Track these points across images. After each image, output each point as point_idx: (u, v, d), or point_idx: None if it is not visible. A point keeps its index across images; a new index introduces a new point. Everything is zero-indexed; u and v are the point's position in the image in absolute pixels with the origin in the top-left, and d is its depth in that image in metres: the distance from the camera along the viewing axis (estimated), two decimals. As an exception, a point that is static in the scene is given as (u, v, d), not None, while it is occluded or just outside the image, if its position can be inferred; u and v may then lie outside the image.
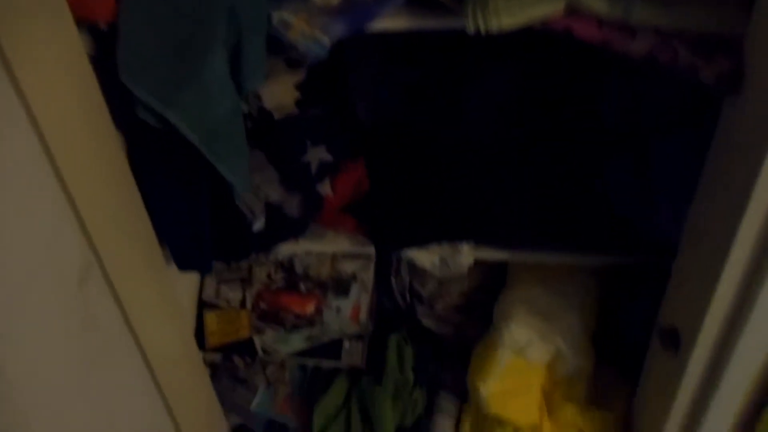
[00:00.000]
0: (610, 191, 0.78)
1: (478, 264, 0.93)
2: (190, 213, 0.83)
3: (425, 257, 0.86)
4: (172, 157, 0.78)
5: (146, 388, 0.92)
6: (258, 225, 0.89)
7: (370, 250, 0.89)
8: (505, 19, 0.60)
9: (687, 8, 0.58)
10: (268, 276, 1.07)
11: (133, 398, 0.89)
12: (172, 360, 0.96)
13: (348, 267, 1.05)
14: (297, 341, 1.06)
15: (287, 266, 1.07)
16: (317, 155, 0.83)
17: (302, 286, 1.06)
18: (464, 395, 1.04)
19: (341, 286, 1.04)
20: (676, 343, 0.72)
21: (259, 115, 0.85)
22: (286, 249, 0.94)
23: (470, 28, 0.62)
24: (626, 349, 0.91)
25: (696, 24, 0.58)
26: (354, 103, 0.81)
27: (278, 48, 0.69)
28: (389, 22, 0.70)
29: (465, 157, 0.78)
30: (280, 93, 0.87)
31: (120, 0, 0.67)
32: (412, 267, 1.02)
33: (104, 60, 0.70)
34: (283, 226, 0.91)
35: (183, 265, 0.91)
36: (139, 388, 0.90)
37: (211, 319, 1.09)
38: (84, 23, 0.68)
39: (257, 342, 1.08)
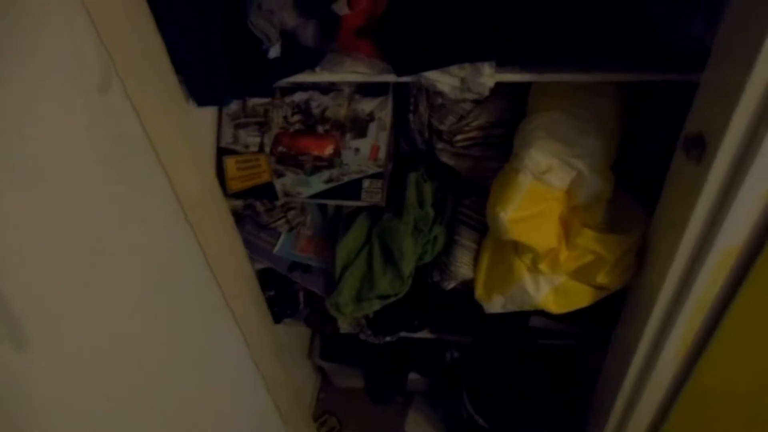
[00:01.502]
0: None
1: (497, 96, 0.92)
2: (203, 37, 0.81)
3: (445, 80, 0.84)
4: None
5: (178, 222, 0.94)
6: (273, 52, 0.87)
7: (390, 76, 0.87)
8: None
9: None
10: (285, 119, 1.07)
11: (164, 229, 0.91)
12: (198, 198, 0.98)
13: (366, 106, 1.04)
14: (317, 183, 1.07)
15: (304, 108, 1.06)
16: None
17: (320, 128, 1.05)
18: (483, 229, 1.06)
19: (359, 125, 1.04)
20: (701, 149, 0.72)
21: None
22: (302, 79, 0.92)
23: None
24: (645, 175, 0.91)
25: None
26: None
27: None
28: None
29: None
30: None
31: None
32: (431, 102, 1.01)
33: None
34: (299, 55, 0.89)
35: (200, 98, 0.91)
36: (170, 222, 0.93)
37: (231, 164, 1.09)
38: None
39: (278, 186, 1.09)
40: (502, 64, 0.84)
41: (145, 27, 0.78)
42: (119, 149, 0.75)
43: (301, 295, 1.35)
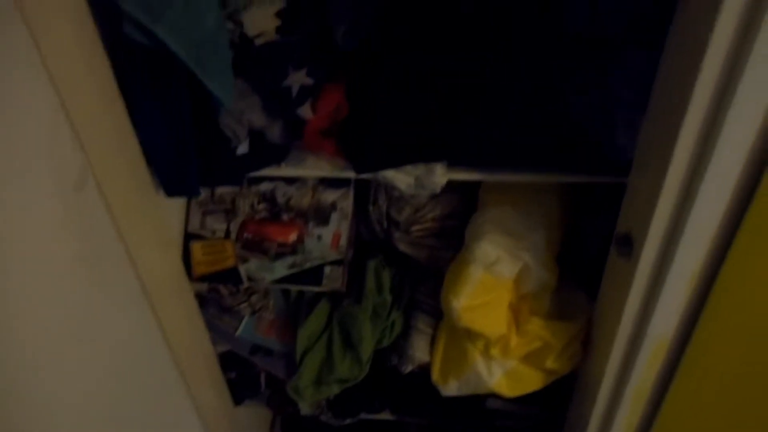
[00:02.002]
0: (572, 109, 0.83)
1: (450, 190, 0.99)
2: (174, 134, 0.87)
3: (401, 178, 0.91)
4: (157, 78, 0.82)
5: (141, 310, 0.97)
6: (242, 149, 0.93)
7: (350, 173, 0.94)
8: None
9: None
10: (252, 207, 1.12)
11: (127, 319, 0.94)
12: (163, 284, 1.01)
13: (328, 197, 1.10)
14: (280, 269, 1.12)
15: (270, 197, 1.11)
16: (298, 79, 0.87)
17: (284, 216, 1.11)
18: (439, 315, 1.11)
19: (322, 214, 1.10)
20: (630, 247, 0.79)
21: (240, 41, 0.88)
22: (269, 173, 0.98)
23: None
24: (587, 264, 0.98)
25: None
26: (333, 27, 0.85)
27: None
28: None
29: (437, 80, 0.83)
30: (261, 20, 0.90)
31: None
32: (389, 195, 1.08)
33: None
34: (266, 151, 0.95)
35: (170, 189, 0.96)
36: (133, 310, 0.95)
37: (197, 249, 1.13)
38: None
39: (242, 270, 1.13)
40: (453, 164, 0.92)
41: (121, 126, 0.84)
42: (89, 245, 0.79)
43: (262, 377, 1.35)
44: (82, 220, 0.76)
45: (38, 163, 0.70)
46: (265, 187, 1.11)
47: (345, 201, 1.09)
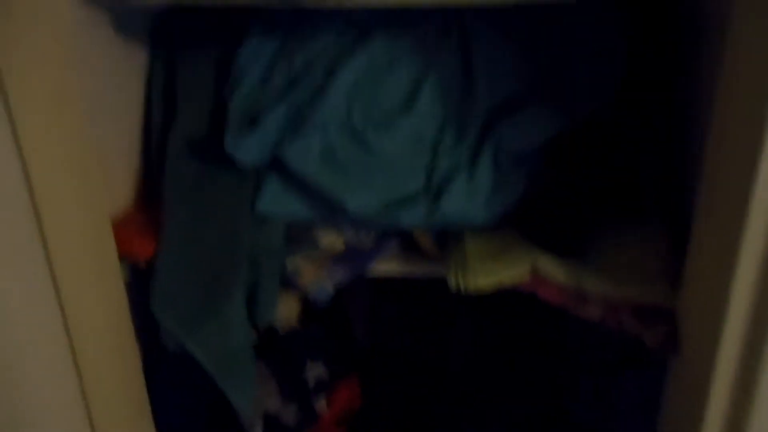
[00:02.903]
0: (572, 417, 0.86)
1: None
2: (190, 418, 0.90)
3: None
4: (183, 368, 0.86)
5: None
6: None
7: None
8: (481, 281, 0.73)
9: (631, 283, 0.70)
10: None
11: None
12: None
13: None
14: None
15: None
16: (315, 372, 0.91)
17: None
18: None
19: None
20: None
21: (264, 328, 0.95)
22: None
23: (453, 286, 0.74)
24: None
25: (637, 296, 0.70)
26: (353, 326, 0.92)
27: (289, 285, 0.81)
28: (383, 266, 0.83)
29: (449, 384, 0.87)
30: (285, 308, 0.98)
31: (159, 242, 0.80)
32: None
33: (138, 287, 0.82)
34: (279, 434, 0.96)
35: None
36: None
37: None
38: (126, 260, 0.81)
39: None
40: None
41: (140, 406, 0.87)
42: None
43: None
44: None
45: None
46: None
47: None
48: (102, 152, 0.79)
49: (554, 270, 0.72)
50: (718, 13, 0.64)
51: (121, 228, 0.80)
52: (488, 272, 0.73)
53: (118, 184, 0.85)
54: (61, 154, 0.69)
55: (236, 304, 0.76)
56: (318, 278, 0.78)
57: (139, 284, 0.81)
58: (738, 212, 0.55)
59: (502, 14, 0.72)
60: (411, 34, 0.77)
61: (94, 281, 0.75)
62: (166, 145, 0.83)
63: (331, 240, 0.84)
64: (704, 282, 0.64)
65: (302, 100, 0.76)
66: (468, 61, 0.75)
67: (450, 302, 0.75)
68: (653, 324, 0.69)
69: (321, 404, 0.90)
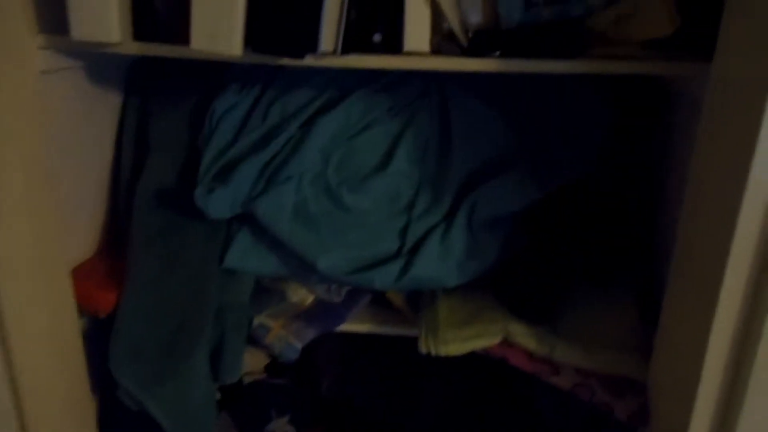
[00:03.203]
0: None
1: None
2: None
3: None
4: (141, 422, 0.83)
5: None
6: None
7: None
8: (452, 348, 0.71)
9: (601, 354, 0.70)
10: None
11: None
12: None
13: None
14: None
15: None
16: (280, 426, 0.88)
17: None
18: None
19: None
20: None
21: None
22: None
23: (422, 350, 0.73)
24: None
25: (608, 367, 0.69)
26: (320, 378, 0.89)
27: (256, 342, 0.79)
28: (354, 325, 0.81)
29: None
30: (251, 360, 0.95)
31: (121, 294, 0.77)
32: None
33: (96, 339, 0.79)
34: None
35: None
36: None
37: None
38: (85, 312, 0.78)
39: None
40: None
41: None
42: None
43: None
44: None
45: None
46: None
47: None
48: (68, 198, 0.77)
49: (525, 338, 0.71)
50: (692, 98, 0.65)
51: (82, 278, 0.77)
52: (459, 339, 0.72)
53: (82, 231, 0.82)
54: (19, 201, 0.66)
55: (199, 363, 0.73)
56: (287, 335, 0.76)
57: (99, 335, 0.78)
58: (712, 284, 0.54)
59: (483, 79, 0.72)
60: (389, 94, 0.77)
61: (48, 334, 0.72)
62: (134, 193, 0.80)
63: (301, 295, 0.82)
64: (676, 354, 0.64)
65: (276, 154, 0.75)
66: (446, 123, 0.75)
67: (420, 358, 0.73)
68: (624, 395, 0.68)
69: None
